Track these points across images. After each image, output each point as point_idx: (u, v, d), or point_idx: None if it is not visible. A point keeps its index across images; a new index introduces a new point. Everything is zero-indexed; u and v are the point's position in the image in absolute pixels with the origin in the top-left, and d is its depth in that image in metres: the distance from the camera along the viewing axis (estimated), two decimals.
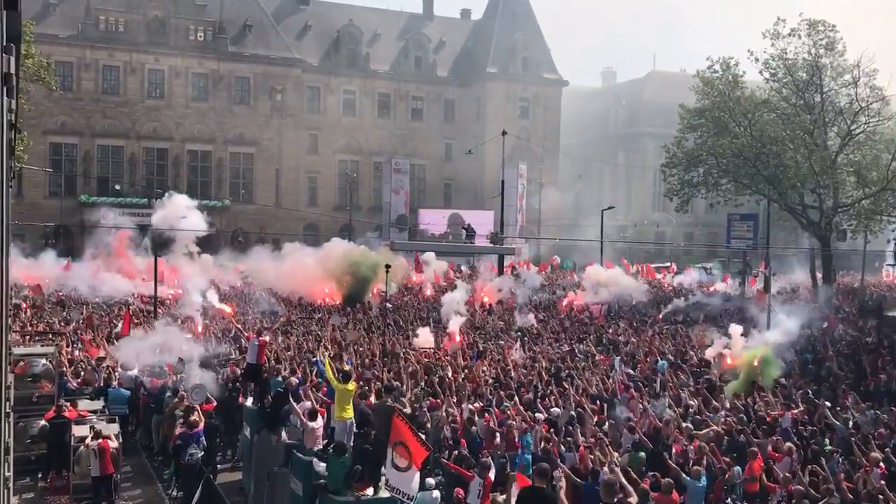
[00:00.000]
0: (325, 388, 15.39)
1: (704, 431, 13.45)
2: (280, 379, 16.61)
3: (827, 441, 13.39)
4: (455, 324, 22.65)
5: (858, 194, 38.64)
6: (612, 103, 76.18)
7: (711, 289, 39.50)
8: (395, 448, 10.53)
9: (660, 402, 15.32)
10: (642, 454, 12.55)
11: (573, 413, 14.44)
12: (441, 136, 64.55)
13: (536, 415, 14.42)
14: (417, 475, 10.56)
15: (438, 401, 15.18)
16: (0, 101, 3.55)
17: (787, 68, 38.93)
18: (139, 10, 53.64)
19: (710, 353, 19.76)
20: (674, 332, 24.85)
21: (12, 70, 4.17)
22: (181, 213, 29.03)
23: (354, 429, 13.26)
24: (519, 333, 24.01)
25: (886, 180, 36.53)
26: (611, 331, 25.34)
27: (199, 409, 14.98)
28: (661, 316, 28.73)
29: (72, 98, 51.66)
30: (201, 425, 14.54)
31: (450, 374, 17.43)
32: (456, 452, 12.70)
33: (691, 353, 21.19)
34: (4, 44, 3.69)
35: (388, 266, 24.52)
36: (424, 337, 22.11)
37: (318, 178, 60.34)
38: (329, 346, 20.80)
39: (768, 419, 14.20)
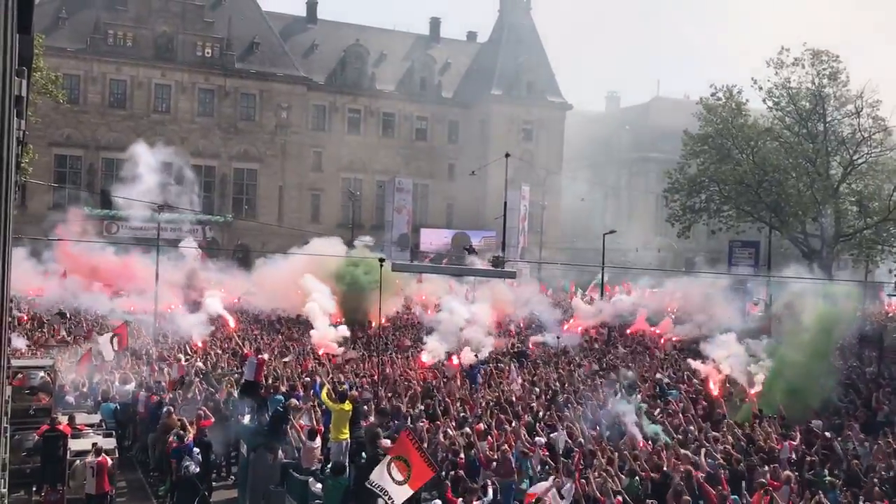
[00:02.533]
0: (324, 408, 15.34)
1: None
2: (279, 397, 16.59)
3: (826, 472, 13.33)
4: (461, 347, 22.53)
5: (860, 224, 38.71)
6: (615, 128, 76.40)
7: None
8: (395, 461, 10.43)
9: (653, 425, 15.33)
10: (637, 480, 12.51)
11: (569, 440, 14.39)
12: (444, 156, 64.77)
13: (536, 439, 14.36)
14: (410, 493, 10.48)
15: (437, 423, 15.14)
16: (10, 122, 3.58)
17: (791, 97, 39.15)
18: (148, 25, 54.03)
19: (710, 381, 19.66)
20: (674, 359, 24.80)
21: (24, 93, 4.22)
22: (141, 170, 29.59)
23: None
24: (515, 357, 23.98)
25: (888, 210, 36.62)
26: (610, 355, 25.31)
27: (188, 422, 14.96)
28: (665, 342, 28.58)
29: (78, 111, 51.91)
30: (190, 437, 14.51)
31: (447, 397, 17.40)
32: (452, 473, 12.64)
33: (693, 380, 21.13)
34: (17, 67, 3.73)
35: (381, 260, 24.06)
36: (432, 349, 22.05)
37: (321, 196, 60.47)
38: (327, 366, 20.78)
39: (766, 449, 14.15)
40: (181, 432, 14.48)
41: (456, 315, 22.93)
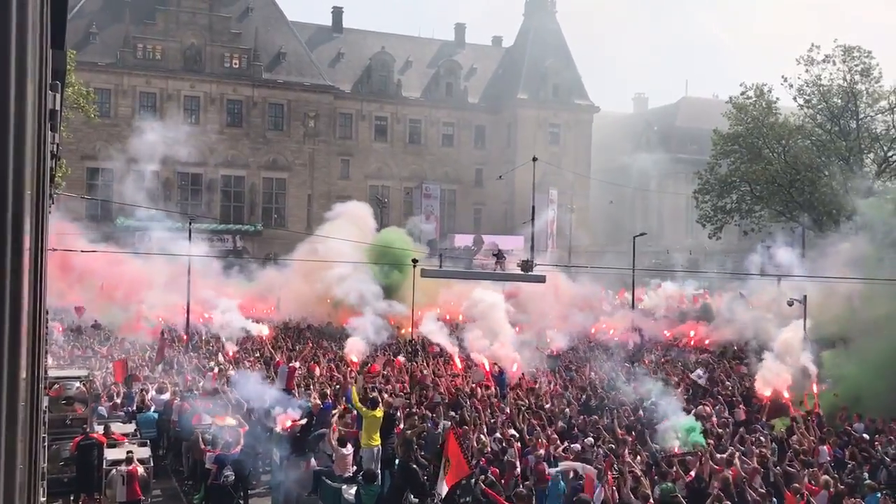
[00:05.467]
0: (355, 414, 15.35)
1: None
2: (309, 404, 16.65)
3: (866, 475, 13.07)
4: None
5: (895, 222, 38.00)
6: (643, 129, 75.93)
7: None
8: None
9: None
10: (669, 485, 12.35)
11: (608, 447, 14.23)
12: (471, 161, 64.78)
13: (571, 445, 14.22)
14: (446, 489, 10.62)
15: (466, 428, 15.06)
16: (45, 137, 3.63)
17: (822, 94, 38.65)
18: (176, 38, 54.75)
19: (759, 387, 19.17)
20: (707, 362, 24.51)
21: (57, 107, 4.27)
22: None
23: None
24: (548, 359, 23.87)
25: None
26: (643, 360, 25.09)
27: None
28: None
29: (109, 124, 52.66)
30: (238, 448, 14.58)
31: (477, 403, 17.31)
32: (483, 477, 12.56)
33: (727, 383, 20.87)
34: (50, 81, 3.78)
35: (414, 260, 23.87)
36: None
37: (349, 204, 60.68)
38: (358, 373, 20.76)
39: (801, 454, 13.91)
40: (228, 440, 14.54)
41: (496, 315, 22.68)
